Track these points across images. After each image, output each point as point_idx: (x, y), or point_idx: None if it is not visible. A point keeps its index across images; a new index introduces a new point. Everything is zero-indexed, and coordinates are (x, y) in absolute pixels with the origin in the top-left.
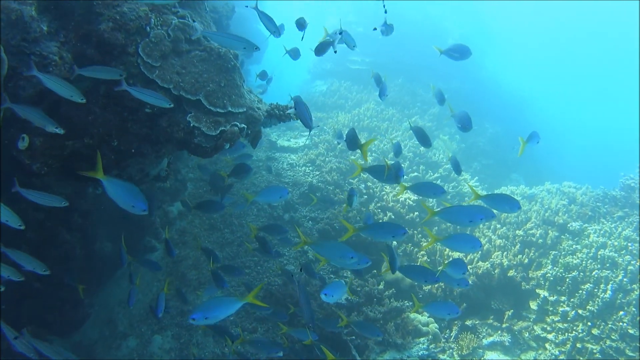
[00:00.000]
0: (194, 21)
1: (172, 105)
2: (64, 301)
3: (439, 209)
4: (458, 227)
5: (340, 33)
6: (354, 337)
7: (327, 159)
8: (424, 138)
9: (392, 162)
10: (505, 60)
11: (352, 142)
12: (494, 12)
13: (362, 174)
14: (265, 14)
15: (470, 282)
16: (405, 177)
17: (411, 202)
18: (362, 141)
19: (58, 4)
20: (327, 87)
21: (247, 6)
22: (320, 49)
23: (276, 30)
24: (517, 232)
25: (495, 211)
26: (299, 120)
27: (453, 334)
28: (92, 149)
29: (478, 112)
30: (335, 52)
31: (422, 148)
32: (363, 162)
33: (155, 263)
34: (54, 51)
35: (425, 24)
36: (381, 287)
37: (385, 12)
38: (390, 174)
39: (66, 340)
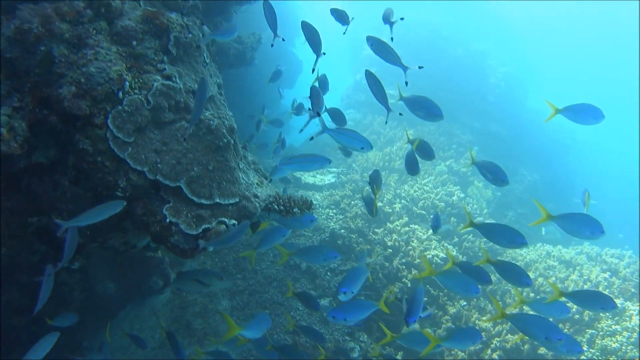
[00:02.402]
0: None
1: (371, 148)
2: (62, 345)
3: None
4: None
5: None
6: None
7: (352, 202)
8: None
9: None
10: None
11: (375, 181)
12: (539, 49)
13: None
14: (311, 30)
15: (497, 357)
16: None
17: (439, 260)
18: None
19: (11, 60)
20: (360, 118)
21: (272, 45)
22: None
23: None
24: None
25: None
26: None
27: None
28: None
29: (516, 157)
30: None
31: (454, 197)
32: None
33: (143, 341)
34: (2, 121)
35: (466, 61)
36: (399, 357)
37: (402, 19)
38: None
39: None
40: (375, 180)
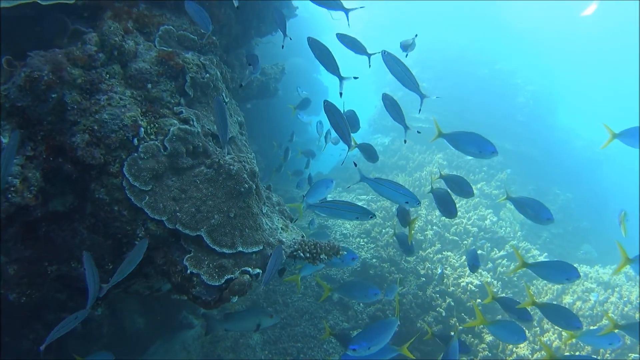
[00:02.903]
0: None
1: (418, 204)
2: None
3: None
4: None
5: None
6: None
7: (383, 230)
8: (447, 205)
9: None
10: (579, 118)
11: (403, 218)
12: (566, 66)
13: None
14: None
15: None
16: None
17: (473, 288)
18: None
19: (23, 109)
20: (389, 143)
21: (282, 47)
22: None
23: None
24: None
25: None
26: (354, 185)
27: None
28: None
29: (548, 177)
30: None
31: (487, 221)
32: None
33: None
34: (15, 171)
35: (493, 81)
36: None
37: (416, 35)
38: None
39: None
40: (403, 217)
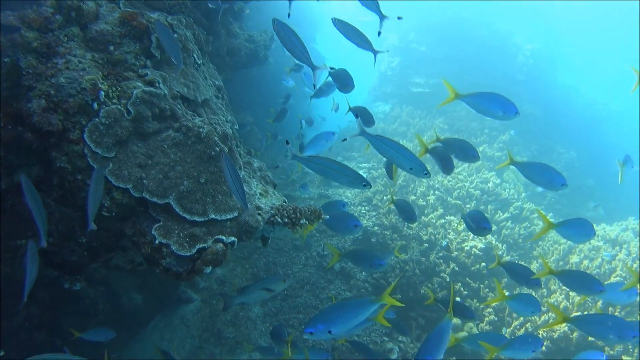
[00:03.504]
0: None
1: (425, 174)
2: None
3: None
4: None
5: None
6: None
7: (385, 197)
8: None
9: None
10: (580, 75)
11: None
12: (566, 24)
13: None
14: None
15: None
16: None
17: (477, 252)
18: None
19: None
20: (389, 110)
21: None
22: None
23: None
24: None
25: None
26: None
27: None
28: (55, 247)
29: (551, 136)
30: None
31: (490, 184)
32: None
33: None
34: None
35: (492, 42)
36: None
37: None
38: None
39: None
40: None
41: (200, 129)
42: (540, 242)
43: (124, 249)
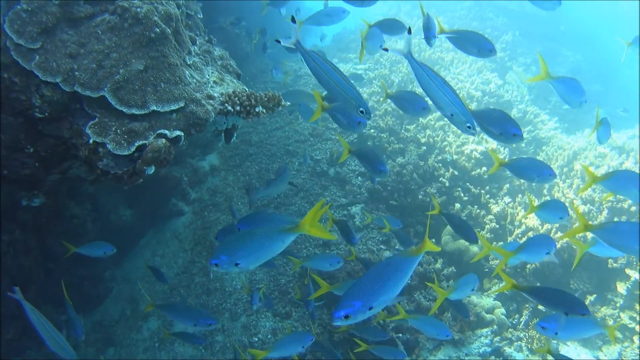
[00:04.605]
0: None
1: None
2: (82, 278)
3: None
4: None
5: None
6: (400, 334)
7: (381, 99)
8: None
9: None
10: None
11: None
12: None
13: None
14: None
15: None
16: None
17: (478, 155)
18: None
19: None
20: (386, 11)
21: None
22: None
23: None
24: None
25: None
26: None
27: (523, 319)
28: (4, 160)
29: (556, 38)
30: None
31: (491, 85)
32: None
33: (163, 275)
34: None
35: None
36: (438, 265)
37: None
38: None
39: (87, 318)
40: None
41: (138, 9)
42: (544, 147)
43: (77, 157)
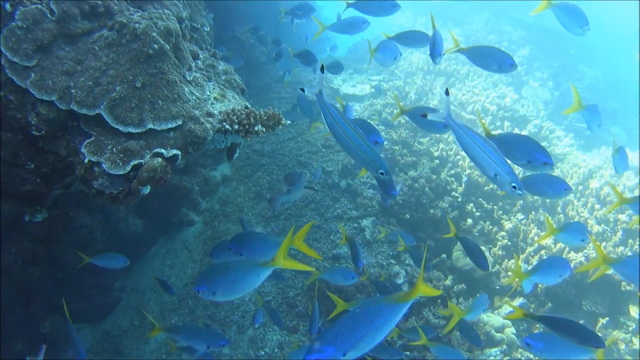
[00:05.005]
0: None
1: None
2: (91, 287)
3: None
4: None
5: None
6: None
7: (395, 111)
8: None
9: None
10: None
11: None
12: None
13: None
14: None
15: None
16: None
17: None
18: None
19: None
20: (403, 21)
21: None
22: None
23: None
24: (619, 216)
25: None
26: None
27: None
28: (5, 177)
29: (574, 53)
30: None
31: (507, 99)
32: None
33: (170, 287)
34: None
35: None
36: (448, 282)
37: None
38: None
39: (95, 328)
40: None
41: (137, 25)
42: (559, 164)
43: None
